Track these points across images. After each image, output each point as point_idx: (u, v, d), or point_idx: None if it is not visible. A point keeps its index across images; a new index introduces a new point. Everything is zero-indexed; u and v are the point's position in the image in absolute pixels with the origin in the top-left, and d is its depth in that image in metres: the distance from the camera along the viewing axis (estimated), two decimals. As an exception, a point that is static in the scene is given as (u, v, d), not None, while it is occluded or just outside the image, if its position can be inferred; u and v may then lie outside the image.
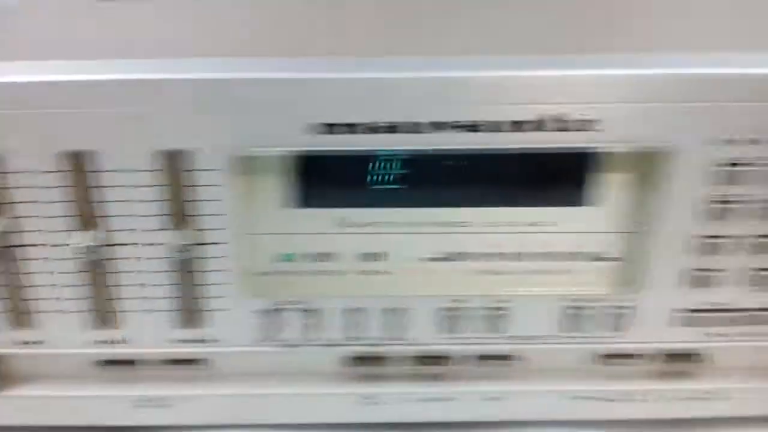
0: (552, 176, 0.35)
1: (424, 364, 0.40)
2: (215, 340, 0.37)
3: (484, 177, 0.35)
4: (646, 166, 0.33)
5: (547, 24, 0.37)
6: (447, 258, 0.36)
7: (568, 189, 0.35)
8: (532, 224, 0.36)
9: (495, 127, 0.31)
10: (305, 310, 0.37)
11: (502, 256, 0.36)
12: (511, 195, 0.35)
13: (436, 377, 0.40)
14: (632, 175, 0.34)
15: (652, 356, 0.40)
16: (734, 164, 0.33)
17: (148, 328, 0.36)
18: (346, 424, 0.41)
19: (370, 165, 0.34)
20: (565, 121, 0.31)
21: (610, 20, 0.38)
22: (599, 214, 0.35)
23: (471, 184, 0.35)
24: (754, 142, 0.32)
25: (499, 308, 0.37)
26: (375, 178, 0.35)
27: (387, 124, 0.32)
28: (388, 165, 0.34)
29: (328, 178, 0.35)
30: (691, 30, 0.36)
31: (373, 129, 0.32)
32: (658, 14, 0.38)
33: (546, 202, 0.36)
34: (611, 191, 0.35)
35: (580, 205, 0.35)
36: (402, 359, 0.39)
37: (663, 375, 0.40)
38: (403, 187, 0.35)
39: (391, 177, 0.35)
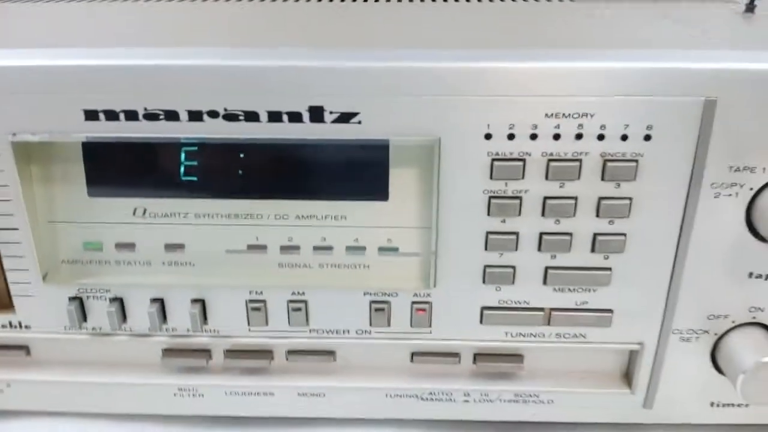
0: (349, 170, 0.35)
1: (242, 357, 0.40)
2: (27, 326, 0.38)
3: (281, 169, 0.35)
4: (429, 161, 0.33)
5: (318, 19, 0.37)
6: (247, 250, 0.37)
7: (365, 183, 0.36)
8: (330, 218, 0.36)
9: (254, 117, 0.32)
10: (111, 299, 0.38)
11: (301, 249, 0.37)
12: (308, 188, 0.36)
13: (254, 371, 0.40)
14: (421, 171, 0.34)
15: (466, 355, 0.39)
16: (511, 159, 0.33)
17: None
18: (164, 416, 0.41)
19: (169, 156, 0.35)
20: (323, 113, 0.32)
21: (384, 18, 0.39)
22: (396, 209, 0.35)
23: (266, 177, 0.35)
24: (533, 137, 0.33)
25: (300, 301, 0.37)
26: (174, 169, 0.35)
27: (165, 112, 0.33)
28: (185, 156, 0.35)
29: (127, 168, 0.36)
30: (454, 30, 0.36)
31: (152, 117, 0.33)
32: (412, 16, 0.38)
33: (343, 196, 0.36)
34: (406, 187, 0.35)
35: (377, 199, 0.36)
36: (220, 352, 0.40)
37: (481, 375, 0.40)
38: (202, 178, 0.35)
39: (190, 168, 0.35)
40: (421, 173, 0.35)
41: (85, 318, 0.38)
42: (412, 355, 0.40)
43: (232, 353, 0.40)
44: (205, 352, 0.40)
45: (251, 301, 0.37)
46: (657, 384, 0.39)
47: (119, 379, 0.40)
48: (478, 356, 0.39)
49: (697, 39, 0.36)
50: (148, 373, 0.41)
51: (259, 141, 0.33)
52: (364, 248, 0.37)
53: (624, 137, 0.32)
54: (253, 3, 0.46)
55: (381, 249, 0.37)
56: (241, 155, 0.35)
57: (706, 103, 0.32)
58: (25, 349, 0.40)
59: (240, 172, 0.35)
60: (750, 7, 0.44)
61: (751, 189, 0.33)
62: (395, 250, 0.37)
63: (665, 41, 0.36)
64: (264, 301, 0.37)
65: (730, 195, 0.34)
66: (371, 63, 0.32)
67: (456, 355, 0.39)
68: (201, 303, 0.38)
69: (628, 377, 0.40)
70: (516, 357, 0.39)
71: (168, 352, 0.40)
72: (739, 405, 0.40)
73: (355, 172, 0.35)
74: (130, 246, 0.37)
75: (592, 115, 0.32)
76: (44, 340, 0.39)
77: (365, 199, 0.36)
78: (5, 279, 0.37)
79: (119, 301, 0.38)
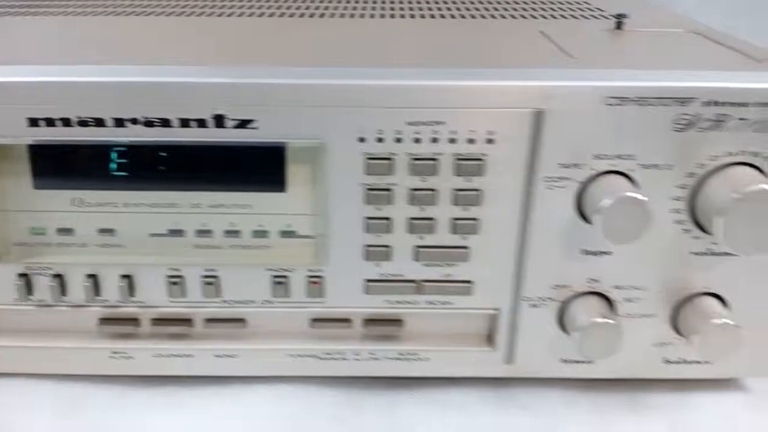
0: (253, 166, 0.43)
1: (166, 324, 0.47)
2: (-19, 300, 0.45)
3: (195, 166, 0.42)
4: (317, 159, 0.41)
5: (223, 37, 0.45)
6: (168, 234, 0.44)
7: (267, 178, 0.43)
8: (238, 206, 0.44)
9: (167, 123, 0.40)
10: (53, 275, 0.45)
11: (213, 233, 0.44)
12: (219, 181, 0.43)
13: (178, 336, 0.48)
14: (313, 167, 0.42)
15: (356, 321, 0.47)
16: (381, 158, 0.41)
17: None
18: (101, 376, 0.48)
19: (102, 155, 0.42)
20: (225, 120, 0.39)
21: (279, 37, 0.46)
22: (293, 198, 0.43)
23: (184, 172, 0.43)
24: (398, 141, 0.40)
25: (213, 276, 0.45)
26: (106, 166, 0.42)
27: (94, 119, 0.40)
28: (116, 155, 0.42)
29: (68, 164, 0.42)
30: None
31: (83, 123, 0.40)
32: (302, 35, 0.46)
33: (249, 188, 0.43)
34: (301, 180, 0.42)
35: (277, 191, 0.43)
36: (147, 320, 0.47)
37: (369, 338, 0.48)
38: (129, 173, 0.42)
39: (119, 165, 0.43)
40: (312, 169, 0.42)
41: (31, 292, 0.45)
42: (311, 321, 0.47)
43: (157, 321, 0.47)
44: (134, 321, 0.47)
45: (171, 276, 0.44)
46: (515, 343, 0.47)
47: (61, 344, 0.47)
48: (365, 321, 0.47)
49: (555, 56, 0.44)
50: (86, 339, 0.47)
51: (175, 143, 0.41)
52: (267, 232, 0.44)
53: (471, 140, 0.40)
54: (175, 19, 0.54)
55: (281, 232, 0.44)
56: (162, 154, 0.42)
57: (536, 114, 0.39)
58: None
59: (162, 168, 0.42)
60: (618, 24, 0.53)
61: (578, 182, 0.41)
62: (293, 233, 0.44)
63: (523, 60, 0.44)
64: (182, 277, 0.45)
65: (560, 187, 0.41)
66: (265, 80, 0.39)
67: (348, 320, 0.47)
68: (128, 278, 0.45)
69: (490, 338, 0.47)
70: (397, 322, 0.47)
71: (102, 320, 0.47)
72: (585, 362, 0.48)
73: (259, 168, 0.42)
74: (69, 231, 0.44)
75: (444, 123, 0.40)
76: (-6, 311, 0.46)
77: (267, 191, 0.43)
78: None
79: (60, 277, 0.45)
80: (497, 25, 0.54)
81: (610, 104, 0.38)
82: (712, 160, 0.40)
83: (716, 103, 0.38)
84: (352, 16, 0.58)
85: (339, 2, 0.65)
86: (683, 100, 0.38)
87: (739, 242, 0.38)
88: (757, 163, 0.40)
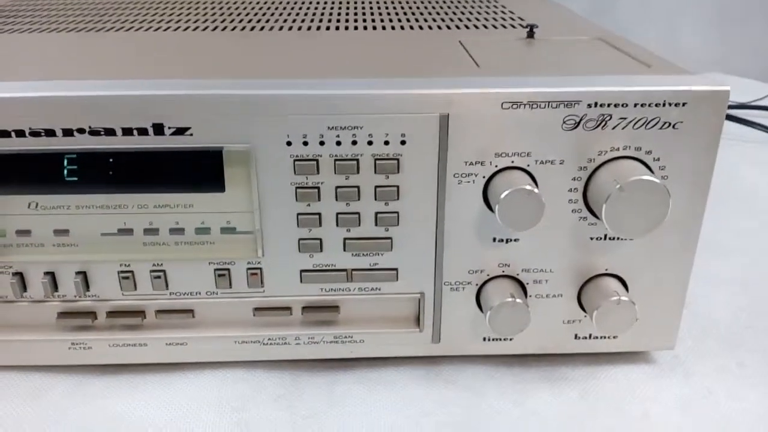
0: (194, 169, 0.47)
1: (120, 316, 0.51)
2: (-52, 296, 0.49)
3: (141, 170, 0.47)
4: (251, 162, 0.45)
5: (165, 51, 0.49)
6: (118, 233, 0.49)
7: (206, 179, 0.47)
8: (181, 206, 0.48)
9: (112, 132, 0.44)
10: (14, 273, 0.49)
11: (160, 231, 0.48)
12: (163, 183, 0.47)
13: (131, 327, 0.52)
14: (248, 168, 0.46)
15: (295, 308, 0.52)
16: (307, 160, 0.45)
17: None
18: (62, 366, 0.52)
19: (55, 162, 0.46)
20: (164, 128, 0.44)
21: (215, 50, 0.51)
22: (231, 198, 0.47)
23: (130, 176, 0.47)
24: (321, 144, 0.45)
25: (161, 270, 0.49)
26: (59, 171, 0.47)
27: (45, 130, 0.44)
28: (67, 162, 0.47)
29: (22, 172, 0.47)
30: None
31: (35, 134, 0.44)
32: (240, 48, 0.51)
33: (190, 188, 0.48)
34: (238, 181, 0.46)
35: (217, 191, 0.47)
36: (103, 312, 0.51)
37: (308, 323, 0.52)
38: (80, 178, 0.47)
39: (71, 171, 0.47)
40: (247, 171, 0.47)
41: (-7, 289, 0.49)
42: (254, 310, 0.52)
43: (111, 313, 0.51)
44: (91, 314, 0.51)
45: (122, 272, 0.49)
46: (440, 324, 0.52)
47: (24, 337, 0.51)
48: (304, 308, 0.52)
49: (465, 65, 0.49)
50: (47, 332, 0.51)
51: (121, 150, 0.45)
52: (209, 229, 0.49)
53: (386, 142, 0.45)
54: (122, 35, 0.58)
55: (222, 229, 0.49)
56: (110, 160, 0.46)
57: (441, 118, 0.44)
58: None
59: (110, 173, 0.47)
60: (530, 34, 0.58)
61: (484, 177, 0.46)
62: (233, 229, 0.49)
63: (435, 69, 0.49)
64: (132, 272, 0.49)
65: (468, 182, 0.46)
66: (197, 91, 0.44)
67: (288, 308, 0.52)
68: (83, 274, 0.49)
69: (418, 320, 0.52)
70: (333, 308, 0.52)
71: (61, 314, 0.51)
72: (505, 339, 0.53)
73: (199, 170, 0.47)
74: (27, 232, 0.48)
75: (361, 128, 0.45)
76: (-40, 307, 0.50)
77: (208, 191, 0.47)
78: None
79: (20, 275, 0.49)
80: (420, 35, 0.59)
81: (506, 108, 0.43)
82: (599, 155, 0.45)
83: (599, 105, 0.43)
84: (271, 29, 0.63)
85: (263, 15, 0.70)
86: (569, 103, 0.43)
87: (623, 227, 0.44)
88: (640, 157, 0.45)
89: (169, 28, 0.63)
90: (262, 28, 0.63)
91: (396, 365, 0.53)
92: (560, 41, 0.57)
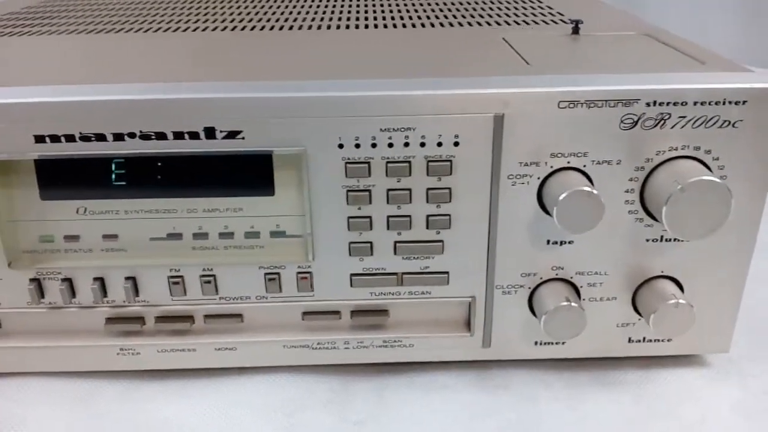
0: (244, 173, 0.47)
1: (168, 321, 0.51)
2: (-2, 304, 0.49)
3: (190, 174, 0.47)
4: (301, 165, 0.45)
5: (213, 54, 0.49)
6: (167, 237, 0.48)
7: (256, 183, 0.47)
8: (230, 210, 0.48)
9: (163, 136, 0.44)
10: (63, 279, 0.49)
11: (209, 235, 0.48)
12: (212, 187, 0.47)
13: (180, 332, 0.52)
14: (298, 172, 0.45)
15: (344, 312, 0.51)
16: (358, 162, 0.44)
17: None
18: (110, 372, 0.52)
19: (103, 166, 0.46)
20: (215, 132, 0.43)
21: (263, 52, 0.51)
22: (280, 201, 0.47)
23: (179, 180, 0.47)
24: (373, 146, 0.44)
25: (210, 275, 0.49)
26: (108, 176, 0.46)
27: (95, 135, 0.44)
28: (115, 166, 0.46)
29: (70, 177, 0.47)
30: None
31: (86, 138, 0.44)
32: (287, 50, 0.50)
33: (240, 192, 0.47)
34: (288, 184, 0.46)
35: (266, 195, 0.47)
36: (151, 318, 0.51)
37: (357, 328, 0.52)
38: (129, 183, 0.47)
39: (119, 176, 0.47)
40: (298, 174, 0.46)
41: (43, 295, 0.49)
42: (303, 314, 0.51)
43: (160, 319, 0.51)
44: (139, 319, 0.51)
45: (171, 276, 0.49)
46: (490, 328, 0.51)
47: (72, 343, 0.51)
48: (353, 312, 0.51)
49: (514, 63, 0.48)
50: (95, 338, 0.51)
51: (171, 154, 0.45)
52: (258, 233, 0.48)
53: (439, 144, 0.44)
54: (165, 37, 0.58)
55: (272, 233, 0.48)
56: (159, 164, 0.46)
57: (496, 118, 0.44)
58: (-5, 321, 0.51)
59: (159, 177, 0.47)
60: (576, 30, 0.57)
61: (538, 178, 0.46)
62: (283, 233, 0.48)
63: (485, 68, 0.48)
64: (182, 277, 0.49)
65: (523, 183, 0.46)
66: (251, 94, 0.43)
67: (337, 312, 0.51)
68: (132, 280, 0.49)
69: (468, 324, 0.51)
70: (383, 312, 0.51)
71: (109, 320, 0.51)
72: (557, 343, 0.52)
73: (249, 174, 0.47)
74: (76, 237, 0.48)
75: (414, 129, 0.44)
76: (12, 314, 0.50)
77: (257, 195, 0.47)
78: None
79: (69, 281, 0.49)
80: (463, 33, 0.58)
81: (562, 107, 0.42)
82: (657, 155, 0.44)
83: (658, 104, 0.42)
84: (319, 27, 0.62)
85: (307, 14, 0.69)
86: (627, 102, 0.42)
87: (684, 229, 0.43)
88: (699, 156, 0.44)
89: (207, 28, 0.63)
90: (300, 27, 0.63)
91: (445, 369, 0.53)
92: (606, 37, 0.56)
